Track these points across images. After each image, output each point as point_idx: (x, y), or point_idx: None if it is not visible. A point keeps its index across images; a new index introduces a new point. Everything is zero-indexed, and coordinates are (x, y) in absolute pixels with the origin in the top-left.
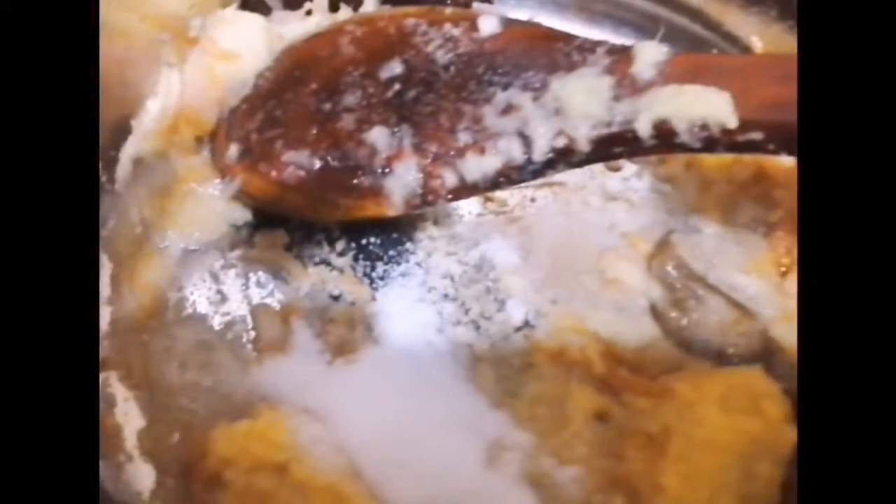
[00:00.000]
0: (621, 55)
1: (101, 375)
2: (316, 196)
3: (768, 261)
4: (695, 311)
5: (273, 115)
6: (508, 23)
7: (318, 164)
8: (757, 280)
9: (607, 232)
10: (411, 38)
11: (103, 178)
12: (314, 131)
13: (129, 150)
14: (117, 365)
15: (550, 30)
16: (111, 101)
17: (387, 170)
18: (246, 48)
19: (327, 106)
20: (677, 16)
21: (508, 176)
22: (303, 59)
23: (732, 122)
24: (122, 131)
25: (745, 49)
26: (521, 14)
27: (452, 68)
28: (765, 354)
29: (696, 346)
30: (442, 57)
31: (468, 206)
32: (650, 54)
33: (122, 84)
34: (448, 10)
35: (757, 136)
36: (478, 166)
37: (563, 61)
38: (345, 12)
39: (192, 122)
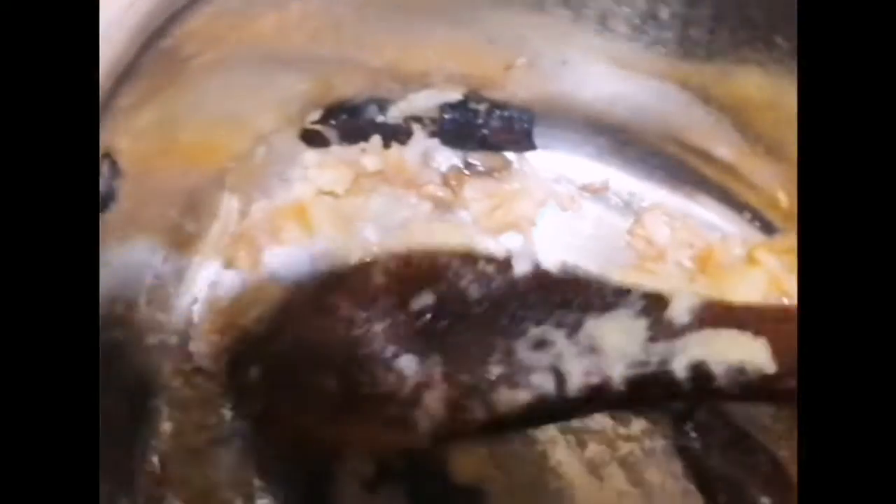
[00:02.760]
0: (656, 300)
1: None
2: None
3: None
4: None
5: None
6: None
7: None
8: None
9: None
10: (444, 273)
11: None
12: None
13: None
14: (173, 482)
15: (583, 275)
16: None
17: (415, 399)
18: None
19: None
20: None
21: (540, 412)
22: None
23: (771, 368)
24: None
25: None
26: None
27: (485, 303)
28: None
29: None
30: (474, 292)
31: None
32: (684, 300)
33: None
34: (482, 248)
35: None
36: (509, 399)
37: (598, 303)
38: (396, 150)
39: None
